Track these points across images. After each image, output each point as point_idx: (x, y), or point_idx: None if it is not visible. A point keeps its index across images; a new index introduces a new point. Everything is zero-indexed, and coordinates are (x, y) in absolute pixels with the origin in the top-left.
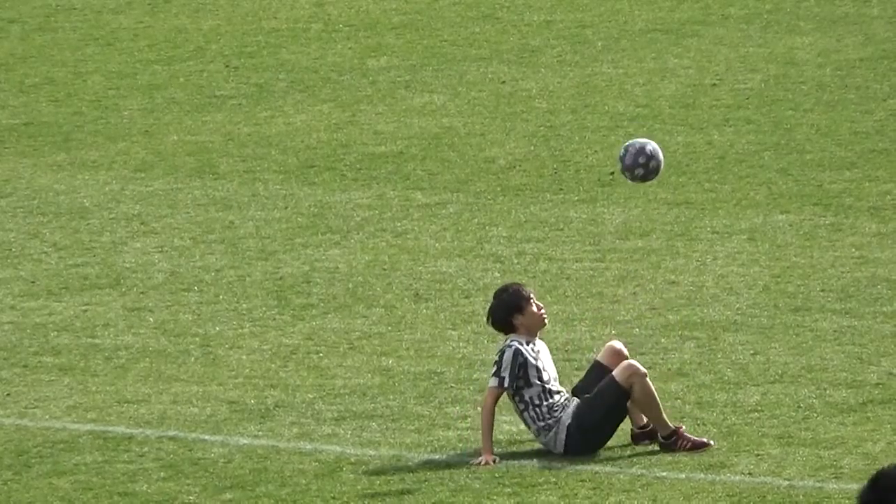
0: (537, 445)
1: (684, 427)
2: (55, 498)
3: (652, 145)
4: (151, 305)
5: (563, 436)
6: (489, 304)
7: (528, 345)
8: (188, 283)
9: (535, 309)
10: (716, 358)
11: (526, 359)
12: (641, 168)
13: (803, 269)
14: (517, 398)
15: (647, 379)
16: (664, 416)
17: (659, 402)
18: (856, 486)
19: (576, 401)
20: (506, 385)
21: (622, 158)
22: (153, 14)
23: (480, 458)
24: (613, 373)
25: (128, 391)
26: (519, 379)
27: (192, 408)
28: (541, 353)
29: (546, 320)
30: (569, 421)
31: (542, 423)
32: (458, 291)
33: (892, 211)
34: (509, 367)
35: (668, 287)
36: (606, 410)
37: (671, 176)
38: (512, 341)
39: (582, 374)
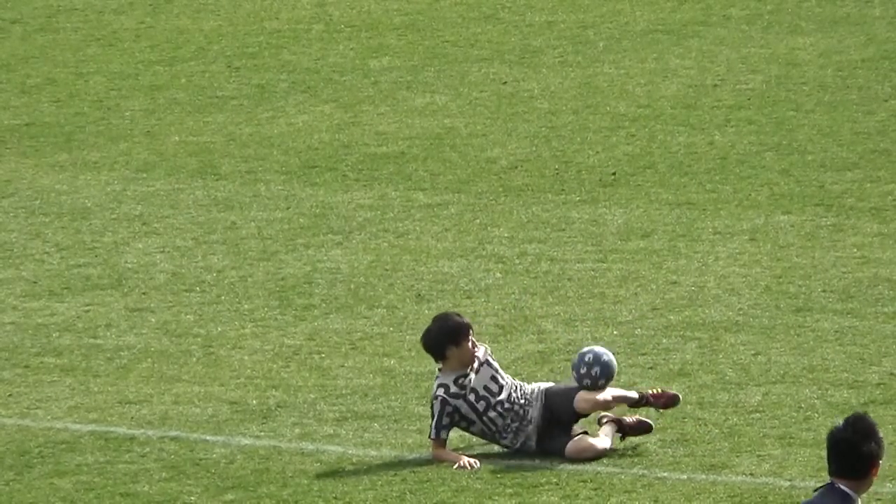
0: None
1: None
2: (57, 498)
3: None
4: (153, 306)
5: (530, 443)
6: (427, 326)
7: (455, 383)
8: (190, 284)
9: (469, 345)
10: (717, 358)
11: (455, 407)
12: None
13: (805, 270)
14: (469, 434)
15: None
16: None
17: (596, 448)
18: None
19: (537, 408)
20: (433, 436)
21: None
22: (155, 15)
23: (459, 463)
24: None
25: (129, 392)
26: (459, 422)
27: (194, 408)
28: (474, 381)
29: (475, 358)
30: (534, 448)
31: (505, 441)
32: (460, 292)
33: (893, 211)
34: (438, 420)
35: (670, 287)
36: (558, 434)
37: (673, 177)
38: (439, 387)
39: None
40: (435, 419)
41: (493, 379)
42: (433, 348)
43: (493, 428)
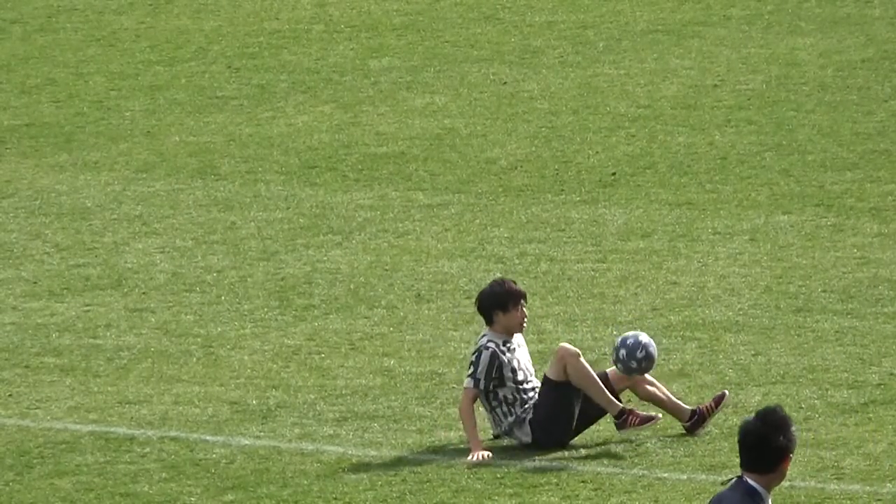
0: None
1: (632, 406)
2: (57, 498)
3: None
4: (153, 306)
5: (527, 428)
6: (483, 287)
7: (504, 344)
8: (190, 284)
9: (517, 313)
10: (717, 359)
11: (502, 361)
12: (634, 361)
13: (805, 270)
14: (490, 396)
15: (580, 359)
16: (607, 394)
17: (597, 381)
18: (857, 487)
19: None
20: (481, 387)
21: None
22: (155, 15)
23: (472, 456)
24: (546, 372)
25: (129, 392)
26: (494, 379)
27: (194, 408)
28: (517, 351)
29: (523, 327)
30: (530, 416)
31: (511, 419)
32: (460, 292)
33: (893, 212)
34: (485, 369)
35: (670, 288)
36: (552, 407)
37: (673, 177)
38: (489, 342)
39: None
40: (480, 368)
41: (529, 361)
42: (481, 310)
43: (523, 397)
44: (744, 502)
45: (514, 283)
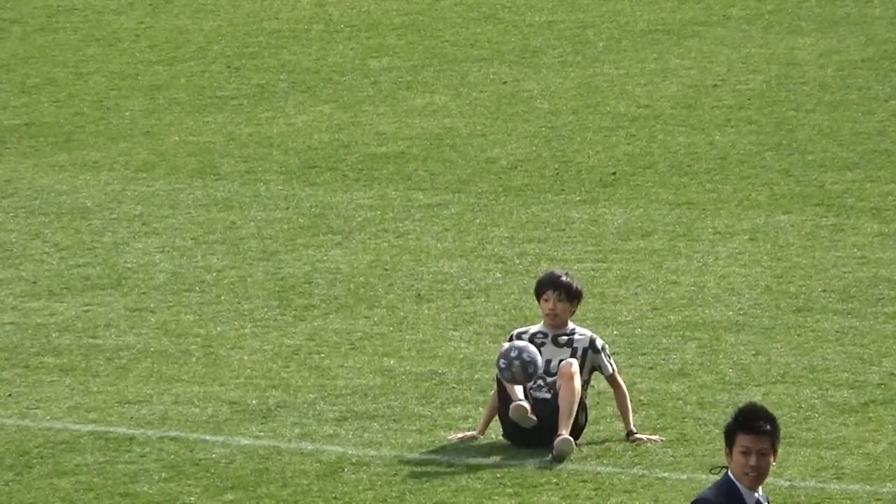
0: (538, 447)
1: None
2: (56, 498)
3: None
4: (153, 306)
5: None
6: None
7: (532, 335)
8: (190, 284)
9: (543, 304)
10: (717, 358)
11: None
12: (514, 361)
13: (805, 270)
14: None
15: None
16: (505, 394)
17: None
18: (857, 487)
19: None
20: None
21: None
22: (154, 15)
23: (463, 434)
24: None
25: (129, 392)
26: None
27: (194, 408)
28: (545, 347)
29: (551, 319)
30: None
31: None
32: (460, 292)
33: (893, 211)
34: None
35: (670, 287)
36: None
37: (673, 176)
38: (517, 328)
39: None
40: None
41: (555, 362)
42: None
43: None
44: (716, 487)
45: (558, 273)
